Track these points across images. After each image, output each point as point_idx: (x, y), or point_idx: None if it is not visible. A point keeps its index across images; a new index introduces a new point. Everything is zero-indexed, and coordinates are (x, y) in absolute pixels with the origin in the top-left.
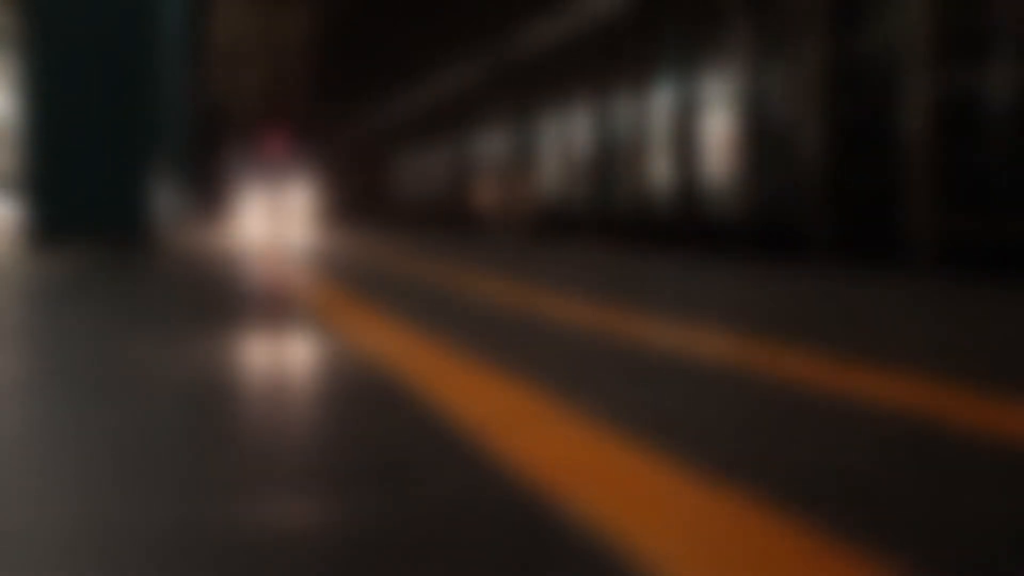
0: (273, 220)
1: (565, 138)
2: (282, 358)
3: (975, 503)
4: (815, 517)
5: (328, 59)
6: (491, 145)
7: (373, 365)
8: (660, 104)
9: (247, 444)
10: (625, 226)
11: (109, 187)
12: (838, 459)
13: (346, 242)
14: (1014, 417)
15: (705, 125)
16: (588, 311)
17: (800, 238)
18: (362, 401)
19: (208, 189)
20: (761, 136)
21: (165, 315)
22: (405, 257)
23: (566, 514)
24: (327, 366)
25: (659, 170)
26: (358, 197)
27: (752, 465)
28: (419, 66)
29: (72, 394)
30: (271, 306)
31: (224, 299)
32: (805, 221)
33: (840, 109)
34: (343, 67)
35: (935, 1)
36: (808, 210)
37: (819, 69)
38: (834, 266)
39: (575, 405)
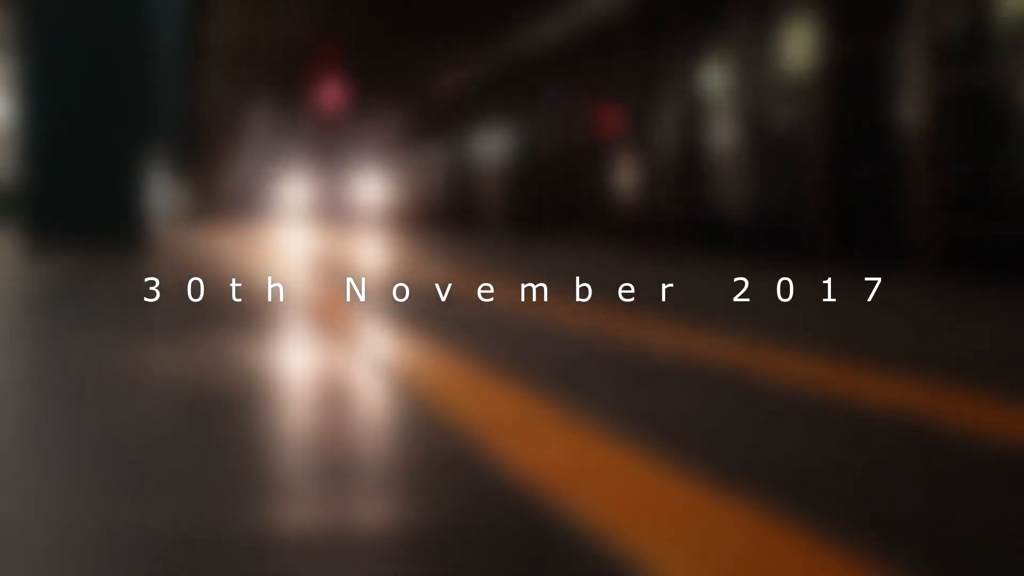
0: (327, 223)
1: None
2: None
3: (976, 504)
4: (816, 518)
5: None
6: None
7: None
8: None
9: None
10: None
11: (105, 191)
12: (839, 460)
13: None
14: (1015, 418)
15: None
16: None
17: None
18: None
19: (217, 185)
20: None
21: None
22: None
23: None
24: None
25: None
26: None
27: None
28: None
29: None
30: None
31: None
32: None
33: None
34: None
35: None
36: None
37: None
38: None
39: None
